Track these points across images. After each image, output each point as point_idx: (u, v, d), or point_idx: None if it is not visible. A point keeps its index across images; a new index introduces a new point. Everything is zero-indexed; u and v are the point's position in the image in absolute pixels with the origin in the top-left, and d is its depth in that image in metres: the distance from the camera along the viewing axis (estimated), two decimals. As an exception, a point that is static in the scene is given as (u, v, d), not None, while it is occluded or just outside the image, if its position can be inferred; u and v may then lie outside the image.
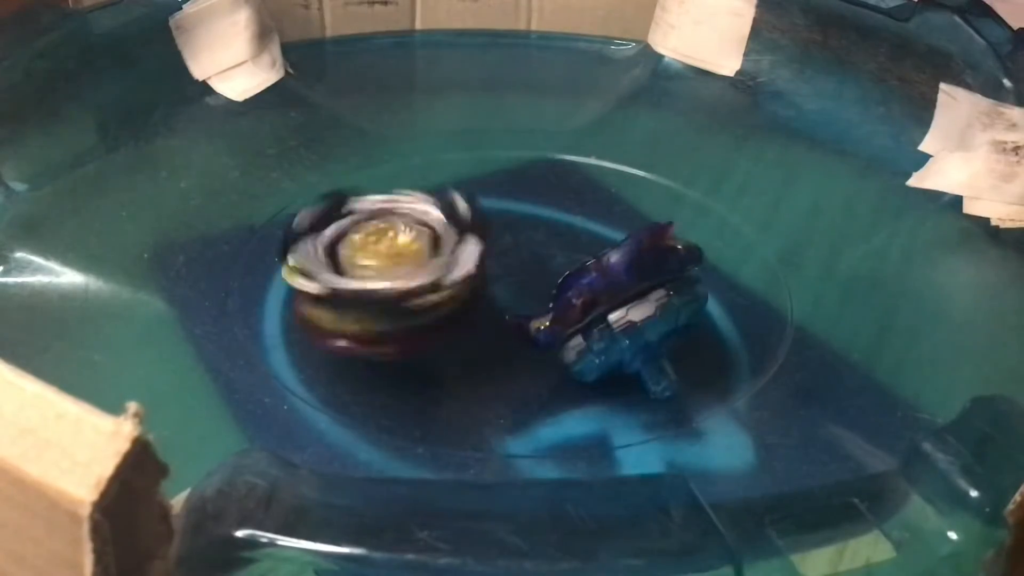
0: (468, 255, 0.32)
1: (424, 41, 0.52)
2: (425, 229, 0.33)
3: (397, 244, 0.32)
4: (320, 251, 0.32)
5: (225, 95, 0.46)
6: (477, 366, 0.35)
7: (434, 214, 0.34)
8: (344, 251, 0.32)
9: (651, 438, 0.32)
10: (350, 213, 0.34)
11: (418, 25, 0.52)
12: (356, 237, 0.33)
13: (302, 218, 0.33)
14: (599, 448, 0.32)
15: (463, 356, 0.35)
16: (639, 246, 0.32)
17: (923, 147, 0.44)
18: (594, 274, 0.31)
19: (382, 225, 0.33)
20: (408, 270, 0.31)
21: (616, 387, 0.34)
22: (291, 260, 0.32)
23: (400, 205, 0.34)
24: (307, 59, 0.49)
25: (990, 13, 0.45)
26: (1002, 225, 0.41)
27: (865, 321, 0.37)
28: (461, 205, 0.33)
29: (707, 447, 0.32)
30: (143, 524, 0.20)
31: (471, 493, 0.25)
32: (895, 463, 0.24)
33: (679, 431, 0.33)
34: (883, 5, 0.46)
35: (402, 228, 0.33)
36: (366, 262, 0.32)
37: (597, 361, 0.32)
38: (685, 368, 0.34)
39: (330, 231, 0.33)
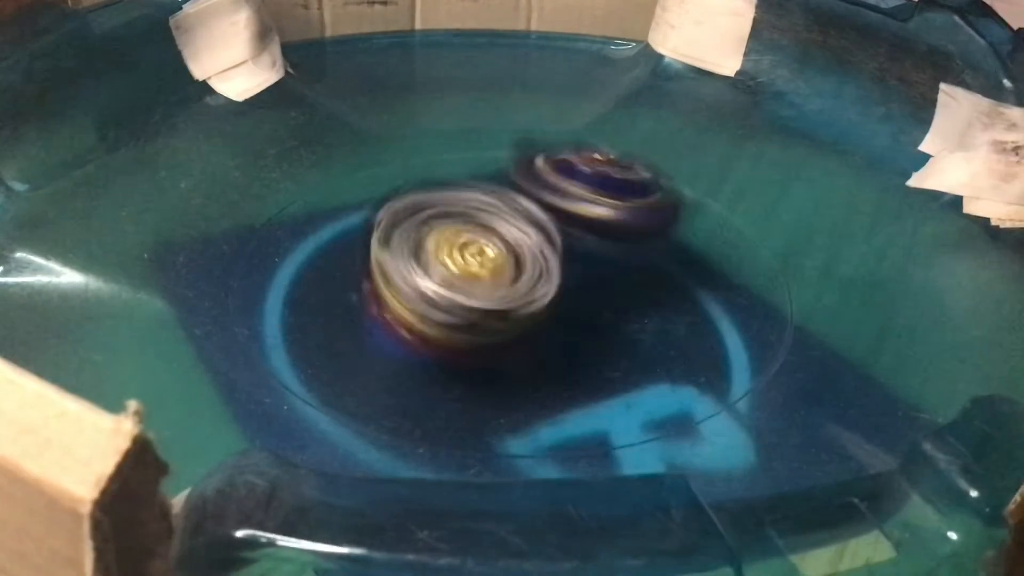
0: (542, 292, 0.32)
1: (424, 41, 0.52)
2: (510, 249, 0.33)
3: (480, 258, 0.32)
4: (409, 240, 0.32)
5: (225, 95, 0.46)
6: (477, 366, 0.35)
7: (525, 238, 0.33)
8: (428, 245, 0.32)
9: (651, 438, 0.32)
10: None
11: (418, 25, 0.52)
12: (442, 235, 0.32)
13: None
14: (599, 448, 0.32)
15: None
16: None
17: (923, 147, 0.44)
18: None
19: (470, 235, 0.32)
20: (483, 289, 0.31)
21: (616, 387, 0.34)
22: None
23: (494, 215, 0.33)
24: (307, 59, 0.48)
25: (990, 13, 0.45)
26: (1002, 225, 0.41)
27: (865, 321, 0.37)
28: (556, 237, 0.33)
29: (707, 447, 0.32)
30: (143, 522, 0.20)
31: (471, 493, 0.25)
32: (895, 463, 0.24)
33: (679, 431, 0.33)
34: (883, 5, 0.46)
35: (489, 245, 0.32)
36: (447, 264, 0.31)
37: None
38: (685, 368, 0.34)
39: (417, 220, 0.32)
